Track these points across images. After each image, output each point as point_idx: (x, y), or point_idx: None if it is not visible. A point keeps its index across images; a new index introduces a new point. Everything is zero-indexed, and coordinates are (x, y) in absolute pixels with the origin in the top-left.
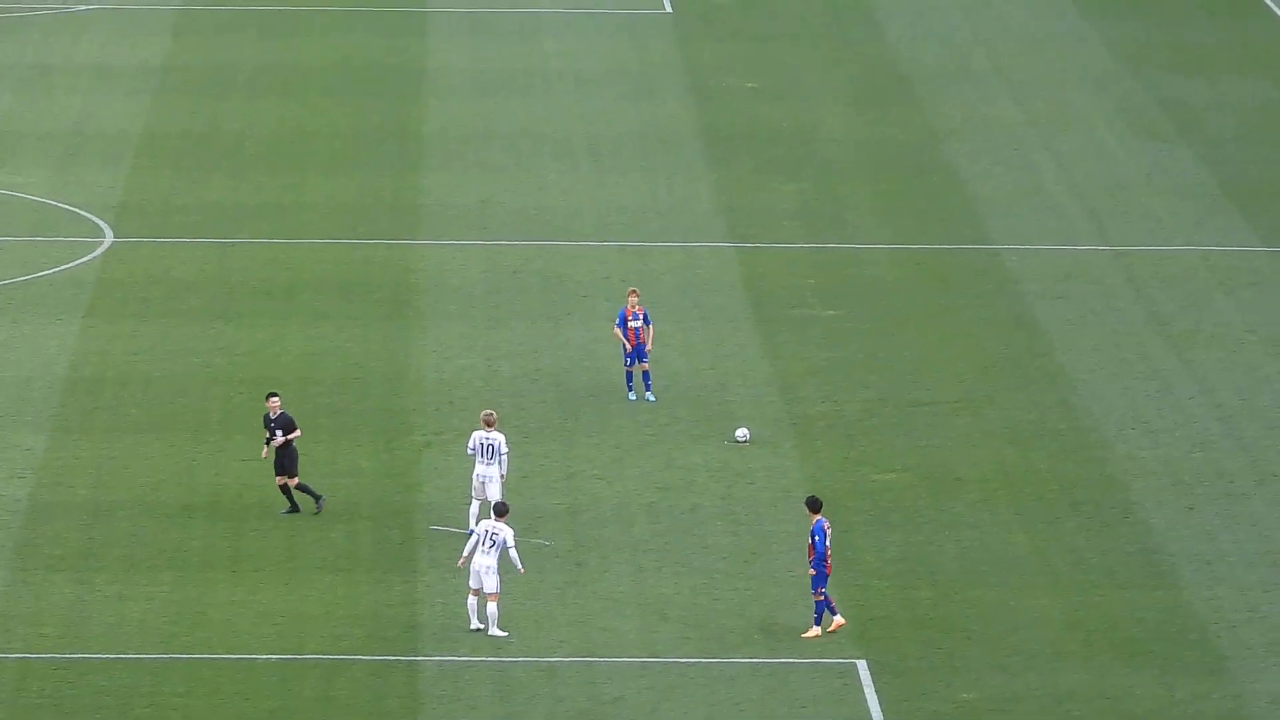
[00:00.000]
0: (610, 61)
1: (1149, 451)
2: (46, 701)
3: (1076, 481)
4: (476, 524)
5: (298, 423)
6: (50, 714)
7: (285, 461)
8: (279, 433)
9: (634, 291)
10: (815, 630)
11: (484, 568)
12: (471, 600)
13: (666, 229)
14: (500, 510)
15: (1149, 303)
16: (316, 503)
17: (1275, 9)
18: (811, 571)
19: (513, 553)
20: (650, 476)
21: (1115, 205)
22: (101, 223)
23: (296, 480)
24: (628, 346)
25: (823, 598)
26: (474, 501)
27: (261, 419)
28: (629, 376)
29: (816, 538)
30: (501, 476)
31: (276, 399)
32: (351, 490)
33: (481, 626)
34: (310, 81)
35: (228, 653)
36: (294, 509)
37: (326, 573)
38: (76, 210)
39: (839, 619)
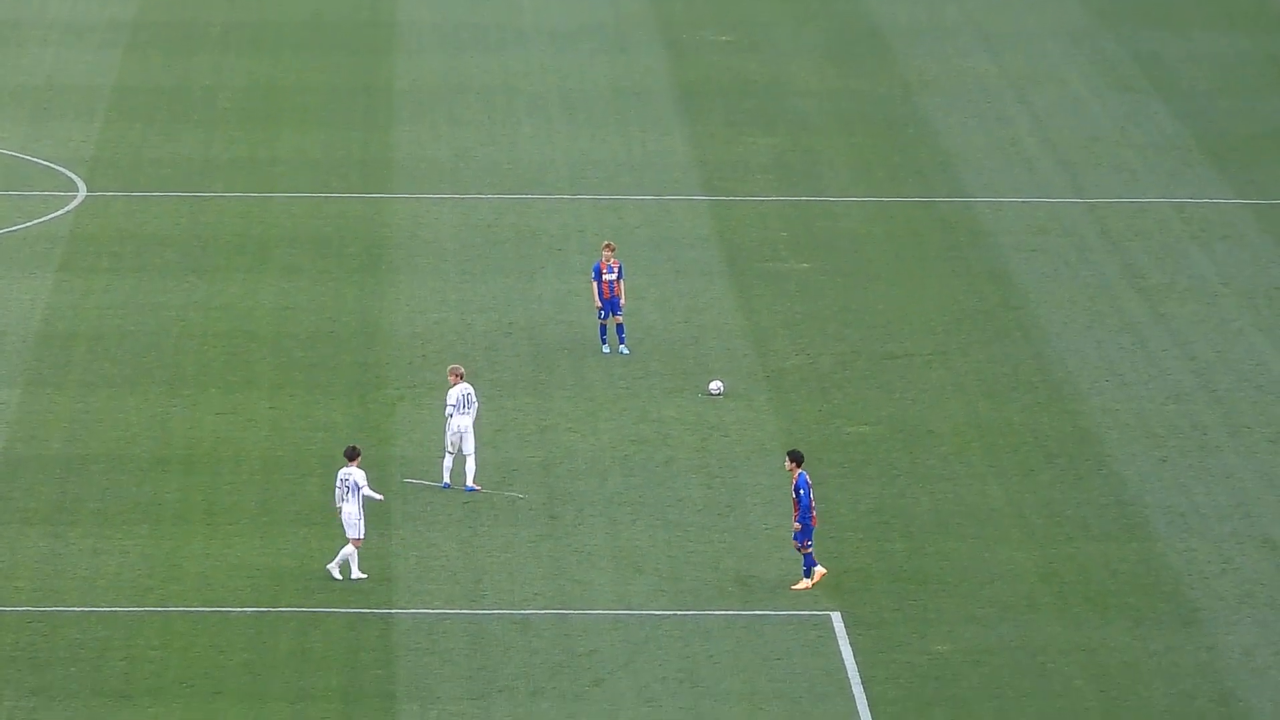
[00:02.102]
0: (583, 16)
1: (1123, 404)
2: (21, 654)
3: (1050, 434)
4: (450, 476)
5: None
6: (24, 666)
7: None
8: None
9: (609, 245)
10: (806, 582)
11: (348, 515)
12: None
13: (640, 183)
14: (350, 454)
15: (1123, 255)
16: None
17: None
18: (798, 525)
19: (366, 490)
20: (624, 430)
21: (1089, 158)
22: (75, 177)
23: None
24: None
25: (810, 550)
26: (448, 455)
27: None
28: (603, 330)
29: (801, 491)
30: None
31: None
32: (326, 444)
33: (364, 576)
34: (282, 36)
35: (202, 606)
36: None
37: (301, 526)
38: (50, 165)
39: (820, 569)
